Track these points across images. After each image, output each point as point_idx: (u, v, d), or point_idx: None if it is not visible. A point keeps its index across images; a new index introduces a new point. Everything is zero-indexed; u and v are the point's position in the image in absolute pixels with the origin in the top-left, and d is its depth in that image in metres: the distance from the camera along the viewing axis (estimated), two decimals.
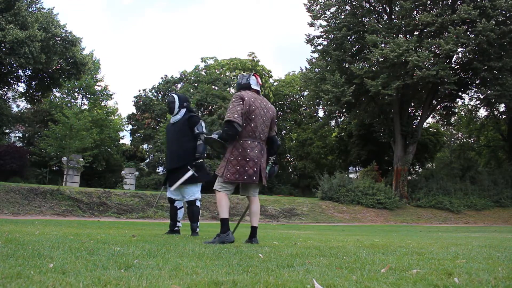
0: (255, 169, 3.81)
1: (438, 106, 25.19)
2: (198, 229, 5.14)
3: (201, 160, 4.91)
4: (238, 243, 3.91)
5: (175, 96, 5.16)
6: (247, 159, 3.77)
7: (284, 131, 38.77)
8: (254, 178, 3.81)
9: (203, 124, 5.02)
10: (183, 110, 5.09)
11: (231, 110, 3.75)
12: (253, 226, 4.02)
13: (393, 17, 22.49)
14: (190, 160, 4.88)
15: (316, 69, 23.97)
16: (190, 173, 4.82)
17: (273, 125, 4.07)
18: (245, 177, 3.77)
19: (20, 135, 29.94)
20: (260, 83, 4.15)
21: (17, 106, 30.00)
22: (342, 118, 27.59)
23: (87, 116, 21.39)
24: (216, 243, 3.66)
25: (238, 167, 3.76)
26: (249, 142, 3.81)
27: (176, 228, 5.14)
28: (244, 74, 4.22)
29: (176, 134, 4.94)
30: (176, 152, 4.95)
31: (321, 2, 22.65)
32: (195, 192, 5.01)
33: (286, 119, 38.01)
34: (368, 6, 23.02)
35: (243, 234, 5.60)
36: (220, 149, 4.02)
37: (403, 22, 21.25)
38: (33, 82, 20.77)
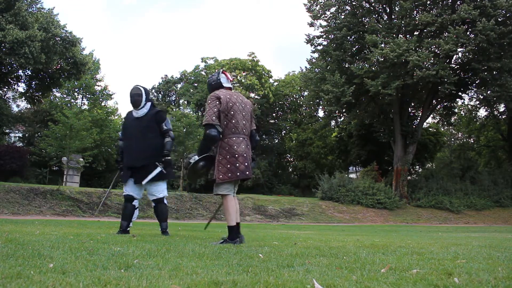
0: (246, 163, 3.73)
1: (438, 106, 25.18)
2: (167, 229, 5.00)
3: (169, 157, 4.83)
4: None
5: (141, 89, 4.90)
6: (236, 156, 3.70)
7: (284, 131, 38.78)
8: (248, 172, 3.74)
9: (169, 120, 4.93)
10: (148, 104, 4.89)
11: (208, 113, 3.69)
12: (237, 222, 3.87)
13: (393, 17, 22.49)
14: (159, 157, 4.71)
15: (316, 69, 23.97)
16: (158, 169, 4.66)
17: (252, 119, 4.02)
18: (238, 173, 3.69)
19: (20, 135, 29.93)
20: (231, 79, 4.09)
21: (17, 106, 30.01)
22: (342, 118, 27.60)
23: (87, 116, 21.38)
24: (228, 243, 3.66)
25: (228, 166, 3.68)
26: (234, 138, 3.74)
27: (128, 228, 4.89)
28: (213, 73, 4.15)
29: (142, 129, 4.71)
30: (143, 149, 4.70)
31: (321, 2, 22.65)
32: (164, 189, 4.90)
33: (286, 119, 38.01)
34: (368, 6, 23.01)
35: (243, 233, 5.60)
36: (202, 170, 3.88)
37: (403, 22, 21.24)
38: (33, 82, 20.76)
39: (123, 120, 5.01)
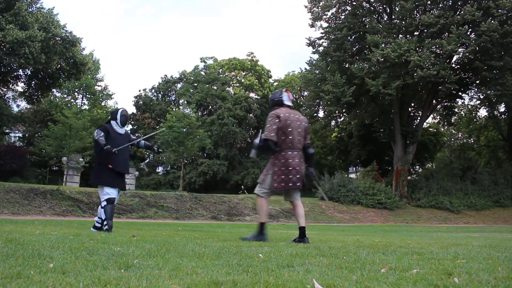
0: (297, 176, 4.24)
1: (438, 106, 25.18)
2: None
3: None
4: (238, 243, 3.91)
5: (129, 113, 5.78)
6: (290, 168, 4.22)
7: None
8: (298, 184, 4.25)
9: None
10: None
11: (268, 129, 4.25)
12: (302, 226, 4.37)
13: (393, 17, 22.49)
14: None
15: (316, 70, 23.98)
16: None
17: (306, 134, 4.49)
18: (290, 184, 4.22)
19: (20, 135, 29.93)
20: (292, 98, 4.59)
21: (17, 106, 30.00)
22: (342, 118, 27.61)
23: (87, 115, 21.39)
24: (251, 240, 4.24)
25: (283, 176, 4.21)
26: (289, 153, 4.25)
27: (107, 227, 5.32)
28: (277, 90, 4.63)
29: (127, 143, 5.66)
30: (127, 160, 5.77)
31: (322, 3, 22.64)
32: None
33: None
34: (368, 6, 23.02)
35: (242, 234, 5.60)
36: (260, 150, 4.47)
37: (403, 22, 21.24)
38: (33, 82, 20.76)
39: (106, 128, 5.52)
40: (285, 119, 4.26)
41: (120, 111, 5.67)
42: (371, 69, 21.45)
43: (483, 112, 31.85)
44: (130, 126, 36.41)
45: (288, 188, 4.26)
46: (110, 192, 5.33)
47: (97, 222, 5.47)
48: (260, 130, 4.68)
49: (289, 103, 4.53)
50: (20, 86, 21.73)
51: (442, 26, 19.26)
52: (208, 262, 2.36)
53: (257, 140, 4.42)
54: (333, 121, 28.73)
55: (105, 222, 5.31)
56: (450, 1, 21.45)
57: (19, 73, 20.13)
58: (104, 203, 5.33)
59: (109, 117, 5.75)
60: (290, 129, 4.27)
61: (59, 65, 19.14)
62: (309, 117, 34.10)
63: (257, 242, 4.05)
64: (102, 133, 5.40)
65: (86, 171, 24.26)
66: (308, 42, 23.59)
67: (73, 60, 18.85)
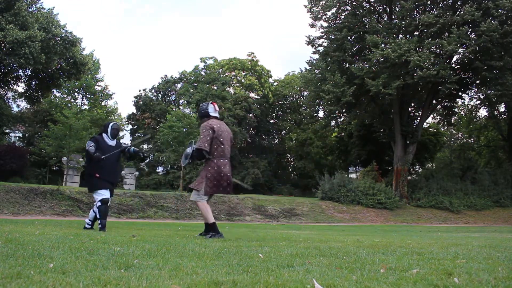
0: (228, 182, 4.75)
1: (438, 106, 25.17)
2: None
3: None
4: (238, 243, 3.91)
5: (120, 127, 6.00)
6: (222, 175, 4.70)
7: (284, 131, 38.77)
8: (228, 189, 4.78)
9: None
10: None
11: (202, 140, 4.68)
12: (209, 223, 4.81)
13: (393, 17, 22.49)
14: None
15: (316, 70, 23.97)
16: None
17: (232, 144, 5.09)
18: (221, 189, 4.72)
19: (20, 135, 29.92)
20: (218, 109, 5.04)
21: (17, 106, 30.00)
22: (342, 118, 27.60)
23: (87, 116, 21.39)
24: (211, 238, 4.48)
25: (215, 182, 4.67)
26: (221, 161, 4.74)
27: (101, 226, 5.61)
28: (204, 102, 5.19)
29: (117, 155, 5.96)
30: (118, 171, 6.30)
31: (322, 3, 22.63)
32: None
33: (286, 119, 38.01)
34: (368, 6, 23.01)
35: (242, 234, 5.61)
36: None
37: (403, 22, 21.23)
38: (33, 82, 20.75)
39: (96, 139, 5.83)
40: (218, 130, 4.73)
41: (110, 124, 6.03)
42: (371, 69, 21.45)
43: (483, 112, 31.87)
44: (130, 126, 36.48)
45: (219, 193, 4.79)
46: (103, 193, 5.64)
47: (87, 224, 5.81)
48: (192, 141, 5.10)
49: (216, 114, 4.96)
50: (20, 87, 21.73)
51: (441, 26, 19.25)
52: (208, 262, 2.36)
53: (189, 149, 4.88)
54: (333, 121, 28.72)
55: (98, 221, 5.63)
56: (450, 1, 21.44)
57: (19, 73, 20.12)
58: (98, 203, 5.61)
59: (101, 130, 6.09)
60: (222, 139, 4.75)
61: (59, 65, 19.12)
62: (309, 117, 34.24)
63: (257, 242, 4.06)
64: (93, 143, 5.73)
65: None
66: (308, 40, 23.58)
67: (73, 60, 18.83)
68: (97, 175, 5.62)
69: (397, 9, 22.05)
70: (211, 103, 5.01)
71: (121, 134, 33.80)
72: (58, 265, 1.98)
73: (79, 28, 75.82)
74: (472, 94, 24.84)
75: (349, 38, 22.54)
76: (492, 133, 32.22)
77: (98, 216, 5.61)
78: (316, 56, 24.24)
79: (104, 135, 5.91)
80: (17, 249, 2.53)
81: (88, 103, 32.57)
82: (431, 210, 21.57)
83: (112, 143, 5.93)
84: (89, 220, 5.79)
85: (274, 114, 38.59)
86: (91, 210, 5.82)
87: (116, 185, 6.16)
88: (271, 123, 37.76)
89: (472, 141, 35.26)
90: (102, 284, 1.60)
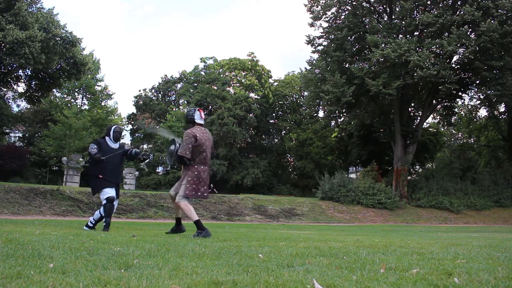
0: (205, 187, 5.10)
1: (438, 106, 25.16)
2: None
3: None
4: (238, 243, 3.91)
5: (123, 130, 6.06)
6: (200, 180, 5.03)
7: (284, 131, 38.76)
8: (206, 194, 5.14)
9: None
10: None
11: (184, 147, 4.96)
12: (179, 217, 5.43)
13: (393, 17, 22.48)
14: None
15: (316, 70, 23.96)
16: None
17: (213, 150, 5.35)
18: (199, 193, 5.06)
19: (20, 135, 29.91)
20: (203, 117, 5.29)
21: (17, 106, 29.99)
22: (342, 118, 27.57)
23: (87, 116, 21.38)
24: (200, 236, 4.76)
25: (194, 186, 5.00)
26: (202, 167, 5.06)
27: (105, 224, 5.73)
28: (191, 108, 5.49)
29: (120, 158, 6.15)
30: (120, 172, 6.56)
31: (322, 2, 22.63)
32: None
33: (286, 119, 37.98)
34: (368, 6, 23.00)
35: (242, 234, 5.62)
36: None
37: (403, 22, 21.22)
38: (33, 82, 20.75)
39: (98, 142, 6.01)
40: (201, 139, 4.99)
41: (113, 128, 6.25)
42: (371, 69, 21.45)
43: (483, 112, 31.85)
44: (130, 126, 36.48)
45: (197, 197, 5.10)
46: (108, 192, 5.75)
47: (90, 222, 5.86)
48: (174, 139, 5.40)
49: (201, 122, 5.22)
50: (20, 87, 21.73)
51: (441, 26, 19.25)
52: (208, 262, 2.36)
53: (172, 147, 5.23)
54: (333, 121, 28.71)
55: (103, 220, 5.72)
56: (450, 1, 21.44)
57: (19, 73, 20.12)
58: (104, 201, 5.71)
59: (104, 133, 6.27)
60: (204, 147, 5.04)
61: (59, 65, 19.12)
62: (309, 117, 34.25)
63: (257, 242, 4.06)
64: (95, 146, 5.91)
65: (86, 171, 24.24)
66: (308, 40, 23.57)
67: (73, 60, 18.84)
68: (100, 176, 5.76)
69: (397, 9, 22.05)
70: (197, 109, 5.24)
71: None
72: (58, 265, 1.98)
73: (79, 28, 75.90)
74: (472, 94, 24.83)
75: (349, 38, 22.53)
76: (492, 133, 32.21)
77: (103, 214, 5.71)
78: (316, 55, 24.24)
79: (107, 138, 6.10)
80: (17, 249, 2.53)
81: (88, 103, 32.56)
82: (431, 210, 21.57)
83: (115, 146, 6.11)
84: (93, 219, 5.85)
85: (274, 114, 38.57)
86: (97, 211, 5.90)
87: (119, 186, 6.27)
88: (271, 123, 37.74)
89: (472, 141, 35.26)
90: (102, 284, 1.60)
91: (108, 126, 6.89)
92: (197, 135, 4.98)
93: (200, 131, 5.07)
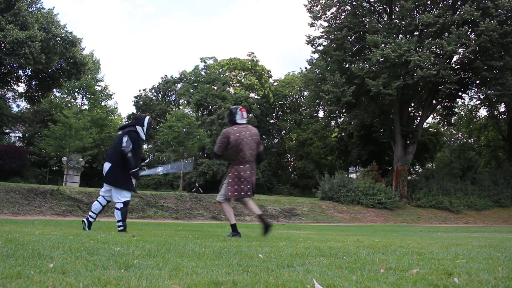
0: (248, 186, 5.05)
1: (438, 106, 25.16)
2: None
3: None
4: (238, 243, 3.91)
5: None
6: (242, 180, 5.02)
7: (284, 131, 38.77)
8: (249, 193, 5.08)
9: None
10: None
11: (217, 144, 5.08)
12: (259, 214, 5.14)
13: (393, 17, 22.48)
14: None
15: (316, 70, 23.96)
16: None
17: (258, 145, 5.20)
18: (242, 193, 5.03)
19: (20, 135, 29.91)
20: (245, 117, 5.22)
21: (17, 106, 29.99)
22: (342, 118, 27.56)
23: (87, 116, 21.39)
24: (230, 237, 4.80)
25: (236, 187, 5.01)
26: (241, 167, 5.03)
27: (122, 228, 5.52)
28: (235, 106, 5.41)
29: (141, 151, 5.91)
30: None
31: (322, 2, 22.63)
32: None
33: (286, 119, 37.99)
34: (368, 6, 23.01)
35: (243, 233, 5.62)
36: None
37: (403, 22, 21.22)
38: (33, 82, 20.76)
39: (134, 139, 5.37)
40: (235, 139, 4.96)
41: (147, 118, 5.59)
42: (371, 69, 21.44)
43: (483, 112, 31.86)
44: None
45: (240, 197, 5.07)
46: (128, 196, 5.53)
47: (91, 217, 5.52)
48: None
49: (242, 121, 5.15)
50: (20, 87, 21.73)
51: (441, 25, 19.25)
52: (208, 262, 2.36)
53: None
54: (333, 121, 28.69)
55: (120, 223, 5.46)
56: (450, 1, 21.44)
57: (19, 73, 20.12)
58: (121, 205, 5.41)
59: (134, 121, 5.58)
60: (241, 147, 4.98)
61: (59, 65, 19.12)
62: (309, 117, 34.24)
63: (257, 242, 4.07)
64: (131, 146, 5.28)
65: (86, 171, 24.26)
66: (308, 40, 23.57)
67: (73, 60, 18.84)
68: (132, 176, 5.47)
69: (397, 9, 22.06)
70: (240, 109, 5.17)
71: None
72: (58, 265, 1.98)
73: (79, 28, 75.90)
74: (472, 94, 24.85)
75: (349, 37, 22.53)
76: (492, 133, 32.21)
77: (120, 218, 5.40)
78: (316, 55, 24.25)
79: (139, 128, 5.43)
80: (17, 249, 2.53)
81: (88, 103, 32.56)
82: (431, 210, 21.56)
83: (144, 138, 5.60)
84: (93, 213, 5.48)
85: (274, 114, 38.58)
86: (96, 201, 5.50)
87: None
88: (271, 123, 37.75)
89: (472, 141, 35.26)
90: (102, 284, 1.60)
91: (137, 115, 6.14)
92: (230, 136, 4.98)
93: (236, 131, 5.02)
